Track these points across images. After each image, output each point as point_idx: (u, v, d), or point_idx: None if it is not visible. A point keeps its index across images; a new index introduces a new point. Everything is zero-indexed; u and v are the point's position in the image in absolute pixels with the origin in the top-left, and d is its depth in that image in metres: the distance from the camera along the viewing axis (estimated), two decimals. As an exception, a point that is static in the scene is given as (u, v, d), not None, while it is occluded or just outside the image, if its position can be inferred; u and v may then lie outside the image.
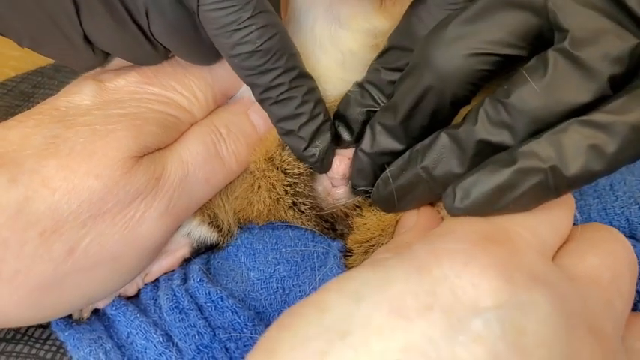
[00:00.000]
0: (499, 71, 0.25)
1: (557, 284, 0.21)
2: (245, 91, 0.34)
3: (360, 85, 0.30)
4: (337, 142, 0.31)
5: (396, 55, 0.29)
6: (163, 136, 0.30)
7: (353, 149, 0.31)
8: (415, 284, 0.20)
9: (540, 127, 0.23)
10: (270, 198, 0.33)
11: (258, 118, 0.33)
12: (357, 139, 0.30)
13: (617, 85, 0.23)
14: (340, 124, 0.31)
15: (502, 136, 0.24)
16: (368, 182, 0.30)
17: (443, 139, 0.26)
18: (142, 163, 0.29)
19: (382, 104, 0.29)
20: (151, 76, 0.31)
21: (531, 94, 0.23)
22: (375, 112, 0.29)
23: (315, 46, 0.31)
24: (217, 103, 0.33)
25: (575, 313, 0.21)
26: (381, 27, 0.31)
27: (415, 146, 0.27)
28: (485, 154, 0.24)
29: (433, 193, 0.27)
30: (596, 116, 0.22)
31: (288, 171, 0.32)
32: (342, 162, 0.31)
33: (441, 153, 0.26)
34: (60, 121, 0.28)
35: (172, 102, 0.31)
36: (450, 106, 0.26)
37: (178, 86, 0.31)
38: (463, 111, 0.27)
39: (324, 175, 0.32)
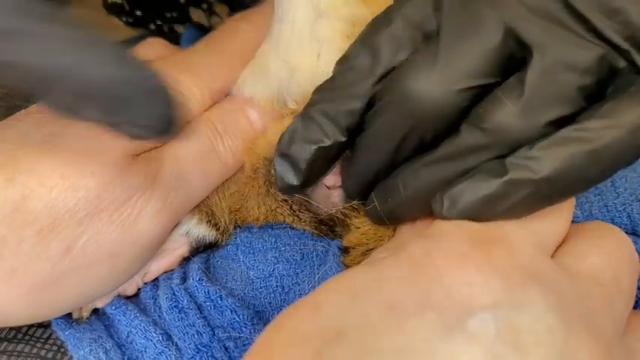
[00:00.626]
0: (478, 102, 0.24)
1: (556, 282, 0.21)
2: (241, 87, 0.34)
3: (304, 115, 0.26)
4: (280, 185, 0.27)
5: (354, 77, 0.25)
6: None
7: (333, 176, 0.30)
8: (410, 283, 0.20)
9: (522, 144, 0.23)
10: (266, 207, 0.33)
11: (254, 114, 0.33)
12: (305, 182, 0.27)
13: (592, 97, 0.23)
14: (283, 164, 0.26)
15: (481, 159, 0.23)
16: (361, 196, 0.29)
17: (423, 169, 0.25)
18: (139, 161, 0.29)
19: (335, 138, 0.25)
20: None
21: (509, 115, 0.22)
22: (323, 147, 0.25)
23: (296, 39, 0.31)
24: (214, 100, 0.33)
25: (574, 311, 0.21)
26: (360, 14, 0.30)
27: (396, 172, 0.26)
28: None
29: (425, 213, 0.26)
30: (588, 123, 0.22)
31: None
32: (321, 193, 0.31)
33: (423, 184, 0.25)
34: (58, 119, 0.28)
35: None
36: (433, 140, 0.25)
37: (174, 82, 0.31)
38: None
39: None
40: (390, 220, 0.27)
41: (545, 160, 0.22)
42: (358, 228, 0.31)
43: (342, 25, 0.30)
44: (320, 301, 0.20)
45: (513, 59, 0.24)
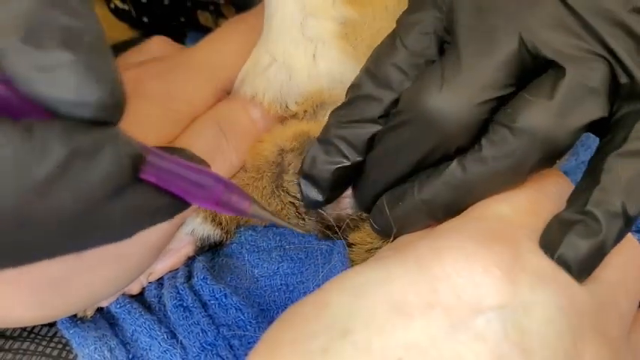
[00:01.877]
0: (494, 114, 0.25)
1: (564, 284, 0.21)
2: (242, 86, 0.34)
3: (322, 140, 0.28)
4: (306, 202, 0.29)
5: (367, 104, 0.27)
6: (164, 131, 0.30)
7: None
8: (417, 282, 0.19)
9: (550, 149, 0.23)
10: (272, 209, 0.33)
11: (256, 113, 0.33)
12: (329, 199, 0.29)
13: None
14: (307, 184, 0.28)
15: (510, 161, 0.24)
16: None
17: (446, 172, 0.25)
18: None
19: (353, 159, 0.27)
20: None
21: (540, 114, 0.23)
22: (344, 167, 0.27)
23: (287, 34, 0.31)
24: (217, 98, 0.33)
25: (581, 313, 0.20)
26: (350, 17, 0.30)
27: (412, 178, 0.26)
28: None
29: (434, 220, 0.26)
30: (630, 145, 0.22)
31: (291, 192, 0.32)
32: (339, 202, 0.31)
33: (442, 184, 0.25)
34: None
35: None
36: (452, 154, 0.25)
37: (180, 82, 0.31)
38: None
39: None
40: (398, 226, 0.27)
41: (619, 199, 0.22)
42: (365, 229, 0.31)
43: (333, 25, 0.31)
44: (327, 299, 0.20)
45: (527, 69, 0.24)
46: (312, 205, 0.29)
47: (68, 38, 0.16)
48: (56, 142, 0.15)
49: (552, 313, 0.19)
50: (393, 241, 0.28)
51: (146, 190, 0.19)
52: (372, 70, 0.27)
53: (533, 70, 0.24)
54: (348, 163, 0.27)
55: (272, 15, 0.32)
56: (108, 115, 0.16)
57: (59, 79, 0.15)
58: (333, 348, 0.18)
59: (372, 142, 0.27)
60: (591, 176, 0.23)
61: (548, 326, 0.19)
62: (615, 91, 0.24)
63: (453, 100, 0.24)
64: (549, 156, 0.24)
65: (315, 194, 0.29)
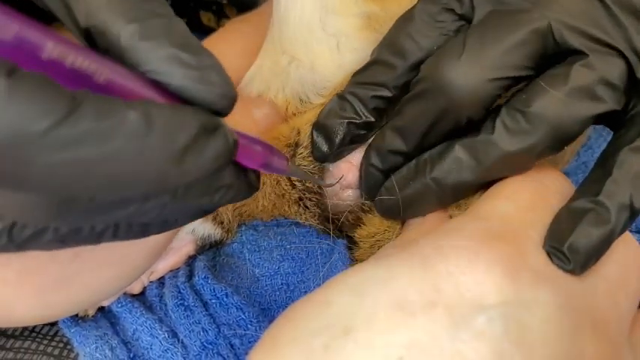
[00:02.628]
0: (507, 92, 0.26)
1: (564, 282, 0.21)
2: (245, 86, 0.34)
3: (340, 96, 0.30)
4: (316, 153, 0.31)
5: (381, 69, 0.28)
6: None
7: (360, 155, 0.30)
8: (419, 280, 0.20)
9: (559, 135, 0.24)
10: (275, 193, 0.33)
11: (259, 113, 0.33)
12: (335, 151, 0.30)
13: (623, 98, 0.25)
14: (319, 135, 0.30)
15: (521, 145, 0.24)
16: (381, 181, 0.30)
17: (457, 150, 0.26)
18: None
19: (364, 117, 0.29)
20: None
21: (553, 102, 0.24)
22: (354, 123, 0.29)
23: (306, 33, 0.31)
24: None
25: (581, 311, 0.21)
26: (372, 12, 0.31)
27: (423, 155, 0.27)
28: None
29: (442, 202, 0.27)
30: None
31: (299, 166, 0.32)
32: (349, 171, 0.31)
33: (453, 164, 0.26)
34: None
35: None
36: (464, 127, 0.26)
37: None
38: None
39: (332, 174, 0.32)
40: (406, 207, 0.28)
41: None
42: (371, 219, 0.31)
43: (355, 20, 0.31)
44: (329, 297, 0.20)
45: (547, 55, 0.25)
46: (320, 157, 0.31)
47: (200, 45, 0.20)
48: (191, 118, 0.18)
49: (553, 310, 0.19)
50: (402, 226, 0.29)
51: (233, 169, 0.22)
52: (389, 38, 0.29)
53: (553, 56, 0.25)
54: (358, 121, 0.29)
55: (286, 16, 0.31)
56: (230, 106, 0.20)
57: (209, 77, 0.19)
58: (334, 346, 0.18)
59: (383, 105, 0.29)
60: (603, 168, 0.24)
61: (548, 324, 0.19)
62: (633, 87, 0.25)
63: (468, 72, 0.25)
64: (558, 142, 0.25)
65: (325, 146, 0.30)
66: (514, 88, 0.26)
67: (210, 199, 0.22)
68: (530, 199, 0.24)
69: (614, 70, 0.24)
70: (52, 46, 0.16)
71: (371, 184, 0.30)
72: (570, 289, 0.21)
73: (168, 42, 0.19)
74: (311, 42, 0.31)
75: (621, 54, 0.24)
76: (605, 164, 0.24)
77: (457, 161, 0.26)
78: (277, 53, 0.33)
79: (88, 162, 0.16)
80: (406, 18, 0.28)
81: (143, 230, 0.21)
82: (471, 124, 0.26)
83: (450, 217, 0.29)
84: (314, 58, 0.32)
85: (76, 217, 0.19)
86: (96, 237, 0.20)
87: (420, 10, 0.28)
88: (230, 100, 0.20)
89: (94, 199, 0.18)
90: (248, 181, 0.23)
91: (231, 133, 0.20)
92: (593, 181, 0.23)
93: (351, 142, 0.30)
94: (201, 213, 0.23)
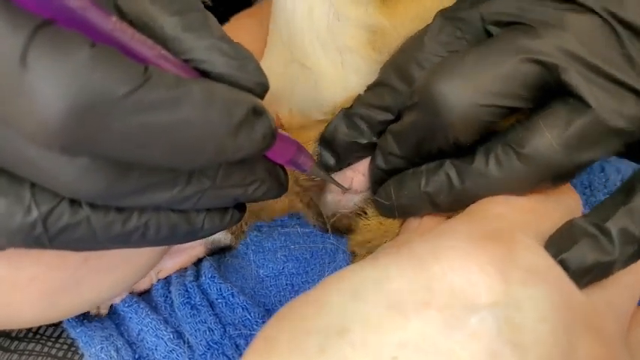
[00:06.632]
0: (500, 120, 0.25)
1: (558, 282, 0.21)
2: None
3: (347, 114, 0.30)
4: (321, 164, 0.31)
5: (388, 93, 0.28)
6: None
7: (367, 164, 0.31)
8: (413, 281, 0.20)
9: (554, 177, 0.24)
10: (288, 199, 0.34)
11: None
12: (341, 166, 0.31)
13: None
14: (324, 150, 0.31)
15: (513, 181, 0.24)
16: (383, 179, 0.30)
17: (450, 172, 0.26)
18: None
19: (370, 139, 0.29)
20: None
21: (549, 148, 0.23)
22: (360, 144, 0.29)
23: (314, 37, 0.31)
24: None
25: (575, 310, 0.21)
26: (380, 25, 0.30)
27: (420, 167, 0.27)
28: None
29: (436, 211, 0.27)
30: None
31: (300, 182, 0.33)
32: (355, 178, 0.31)
33: (445, 184, 0.26)
34: None
35: None
36: (453, 146, 0.26)
37: None
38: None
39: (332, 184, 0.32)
40: (401, 212, 0.28)
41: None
42: (366, 225, 0.32)
43: (364, 33, 0.31)
44: (324, 298, 0.20)
45: (547, 89, 0.24)
46: (327, 169, 0.31)
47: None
48: (244, 98, 0.20)
49: (545, 309, 0.19)
50: (400, 226, 0.29)
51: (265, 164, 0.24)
52: (397, 61, 0.29)
53: (556, 90, 0.24)
54: (364, 142, 0.29)
55: (293, 18, 0.31)
56: (264, 94, 0.21)
57: (247, 66, 0.20)
58: (329, 346, 0.18)
59: (386, 127, 0.29)
60: (624, 194, 0.23)
61: (541, 322, 0.19)
62: None
63: (459, 93, 0.24)
64: (554, 182, 0.24)
65: (331, 160, 0.31)
66: (513, 118, 0.25)
67: (244, 191, 0.23)
68: (528, 203, 0.24)
69: (623, 111, 0.23)
70: (115, 20, 0.17)
71: (376, 183, 0.30)
72: (562, 288, 0.21)
73: (209, 33, 0.20)
74: (319, 51, 0.31)
75: (634, 91, 0.23)
76: (626, 191, 0.23)
77: (449, 183, 0.25)
78: (286, 59, 0.33)
79: (158, 127, 0.17)
80: (416, 43, 0.28)
81: (169, 235, 0.22)
82: (459, 145, 0.25)
83: (448, 217, 0.29)
84: (320, 70, 0.32)
85: (125, 191, 0.20)
86: (126, 235, 0.21)
87: (430, 38, 0.27)
88: (265, 88, 0.21)
89: (149, 170, 0.20)
90: (279, 180, 0.24)
91: (272, 118, 0.21)
92: (610, 205, 0.23)
93: (357, 157, 0.30)
94: (234, 203, 0.24)
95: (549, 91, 0.24)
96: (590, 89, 0.23)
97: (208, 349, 0.29)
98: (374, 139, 0.29)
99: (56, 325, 0.35)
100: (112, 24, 0.17)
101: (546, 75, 0.24)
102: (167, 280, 0.33)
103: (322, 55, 0.31)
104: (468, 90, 0.24)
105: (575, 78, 0.23)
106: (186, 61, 0.20)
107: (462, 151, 0.26)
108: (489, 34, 0.26)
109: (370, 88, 0.30)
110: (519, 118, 0.25)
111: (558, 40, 0.23)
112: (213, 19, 0.21)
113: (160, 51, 0.19)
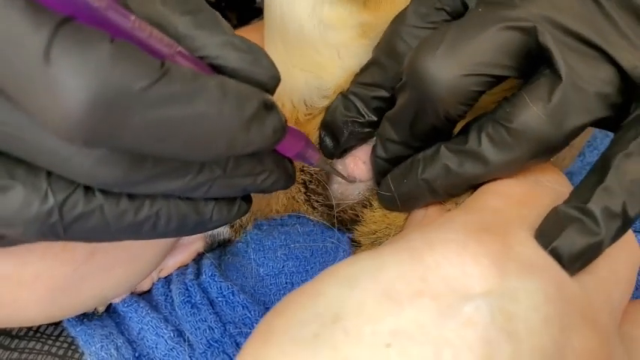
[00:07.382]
0: (489, 90, 0.25)
1: (552, 273, 0.21)
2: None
3: (344, 95, 0.30)
4: (322, 149, 0.32)
5: (378, 71, 0.29)
6: None
7: (367, 151, 0.31)
8: (407, 271, 0.20)
9: (545, 148, 0.24)
10: (287, 198, 0.33)
11: None
12: (341, 149, 0.31)
13: (616, 106, 0.24)
14: (325, 134, 0.31)
15: (506, 157, 0.24)
16: (387, 169, 0.30)
17: (445, 157, 0.26)
18: None
19: (367, 117, 0.30)
20: None
21: (536, 119, 0.24)
22: (358, 122, 0.30)
23: (308, 46, 0.32)
24: None
25: (569, 301, 0.21)
26: (367, 22, 0.31)
27: (417, 155, 0.27)
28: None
29: (436, 198, 0.27)
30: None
31: (304, 169, 0.33)
32: (356, 165, 0.31)
33: (441, 169, 0.26)
34: None
35: None
36: (446, 122, 0.26)
37: None
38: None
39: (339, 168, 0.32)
40: (402, 202, 0.28)
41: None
42: (371, 216, 0.32)
43: (353, 32, 0.31)
44: (320, 288, 0.20)
45: (532, 55, 0.24)
46: (327, 155, 0.32)
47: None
48: (255, 93, 0.20)
49: (539, 300, 0.19)
50: (406, 220, 0.29)
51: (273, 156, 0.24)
52: (384, 39, 0.29)
53: (538, 57, 0.24)
54: (362, 120, 0.30)
55: (285, 30, 0.32)
56: (276, 87, 0.22)
57: (260, 60, 0.21)
58: (323, 334, 0.18)
59: (383, 105, 0.29)
60: (598, 173, 0.23)
61: (534, 312, 0.19)
62: (632, 90, 0.24)
63: (443, 66, 0.24)
64: (545, 154, 0.25)
65: (331, 144, 0.31)
66: (498, 88, 0.25)
67: (253, 180, 0.23)
68: (522, 194, 0.24)
69: (603, 76, 0.24)
70: (134, 19, 0.18)
71: (378, 173, 0.30)
72: (559, 280, 0.21)
73: (221, 30, 0.21)
74: (315, 54, 0.32)
75: (610, 58, 0.24)
76: (600, 168, 0.23)
77: (445, 168, 0.26)
78: (289, 68, 0.33)
79: (175, 120, 0.18)
80: (399, 19, 0.29)
81: (179, 226, 0.23)
82: (451, 120, 0.26)
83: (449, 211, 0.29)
84: (319, 68, 0.32)
85: (140, 179, 0.20)
86: (137, 225, 0.21)
87: (411, 11, 0.28)
88: (277, 81, 0.22)
89: (163, 161, 0.20)
90: (287, 171, 0.25)
91: (282, 113, 0.22)
92: (586, 186, 0.23)
93: (357, 139, 0.31)
94: (243, 193, 0.24)
95: (535, 59, 0.25)
96: (564, 54, 0.24)
97: (209, 347, 0.29)
98: (372, 117, 0.30)
99: (56, 323, 0.35)
100: (131, 22, 0.17)
101: (527, 41, 0.24)
102: (167, 279, 0.34)
103: (319, 56, 0.32)
104: (452, 62, 0.24)
105: (550, 42, 0.24)
106: (200, 58, 0.20)
107: (457, 136, 0.26)
108: (466, 5, 0.27)
109: (363, 69, 0.30)
110: (507, 95, 0.25)
111: (535, 7, 0.24)
112: (221, 17, 0.21)
113: (176, 48, 0.19)
